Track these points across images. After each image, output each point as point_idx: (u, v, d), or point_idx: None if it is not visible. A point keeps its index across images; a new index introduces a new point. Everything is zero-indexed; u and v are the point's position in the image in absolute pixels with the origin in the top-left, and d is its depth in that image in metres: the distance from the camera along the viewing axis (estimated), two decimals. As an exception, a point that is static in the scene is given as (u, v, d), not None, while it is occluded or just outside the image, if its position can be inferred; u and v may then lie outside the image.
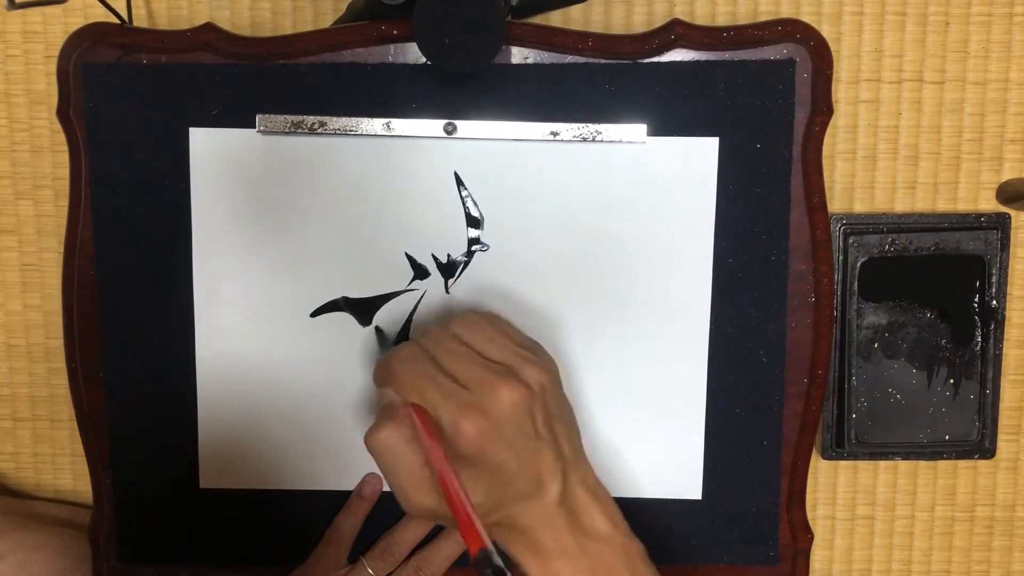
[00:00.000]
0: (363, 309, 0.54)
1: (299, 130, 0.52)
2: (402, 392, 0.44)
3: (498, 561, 0.37)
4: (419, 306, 0.54)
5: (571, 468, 0.44)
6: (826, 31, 0.56)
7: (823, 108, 0.52)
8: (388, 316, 0.54)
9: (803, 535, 0.56)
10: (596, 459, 0.55)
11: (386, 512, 0.56)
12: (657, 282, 0.54)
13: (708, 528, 0.56)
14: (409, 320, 0.54)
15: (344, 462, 0.56)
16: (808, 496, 0.57)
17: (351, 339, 0.55)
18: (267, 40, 0.52)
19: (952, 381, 0.58)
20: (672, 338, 0.54)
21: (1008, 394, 0.59)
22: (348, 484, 0.56)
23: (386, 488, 0.56)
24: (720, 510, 0.56)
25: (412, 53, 0.52)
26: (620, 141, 0.52)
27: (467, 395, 0.42)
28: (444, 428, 0.42)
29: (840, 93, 0.56)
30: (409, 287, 0.54)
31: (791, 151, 0.53)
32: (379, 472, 0.55)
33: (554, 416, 0.44)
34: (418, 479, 0.43)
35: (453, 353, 0.44)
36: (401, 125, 0.52)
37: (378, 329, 0.54)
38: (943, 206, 0.57)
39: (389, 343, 0.54)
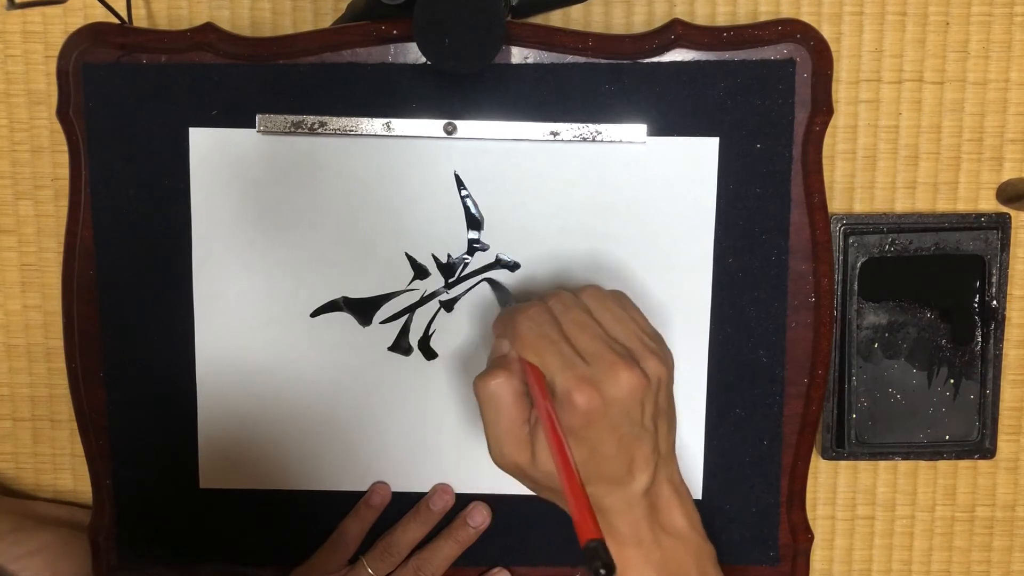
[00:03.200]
0: (363, 309, 0.54)
1: (299, 130, 0.52)
2: (521, 350, 0.44)
3: (608, 556, 0.35)
4: (421, 305, 0.55)
5: (662, 463, 0.44)
6: (826, 31, 0.56)
7: (823, 108, 0.52)
8: (387, 315, 0.55)
9: (803, 535, 0.56)
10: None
11: (387, 512, 0.56)
12: (657, 282, 0.54)
13: (708, 528, 0.55)
14: (409, 321, 0.55)
15: (344, 462, 0.56)
16: (808, 496, 0.57)
17: (351, 339, 0.55)
18: (267, 40, 0.52)
19: (952, 381, 0.58)
20: (672, 338, 0.54)
21: (1008, 394, 0.59)
22: (348, 484, 0.56)
23: (395, 489, 0.56)
24: (720, 510, 0.56)
25: (412, 53, 0.52)
26: (620, 141, 0.52)
27: (585, 368, 0.42)
28: (556, 395, 0.42)
29: (840, 93, 0.56)
30: (409, 287, 0.54)
31: (791, 151, 0.53)
32: (387, 481, 0.56)
33: (661, 411, 0.44)
34: (516, 434, 0.43)
35: (579, 324, 0.44)
36: (401, 125, 0.52)
37: (490, 280, 0.54)
38: (943, 206, 0.57)
39: (507, 293, 0.53)
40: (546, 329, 0.44)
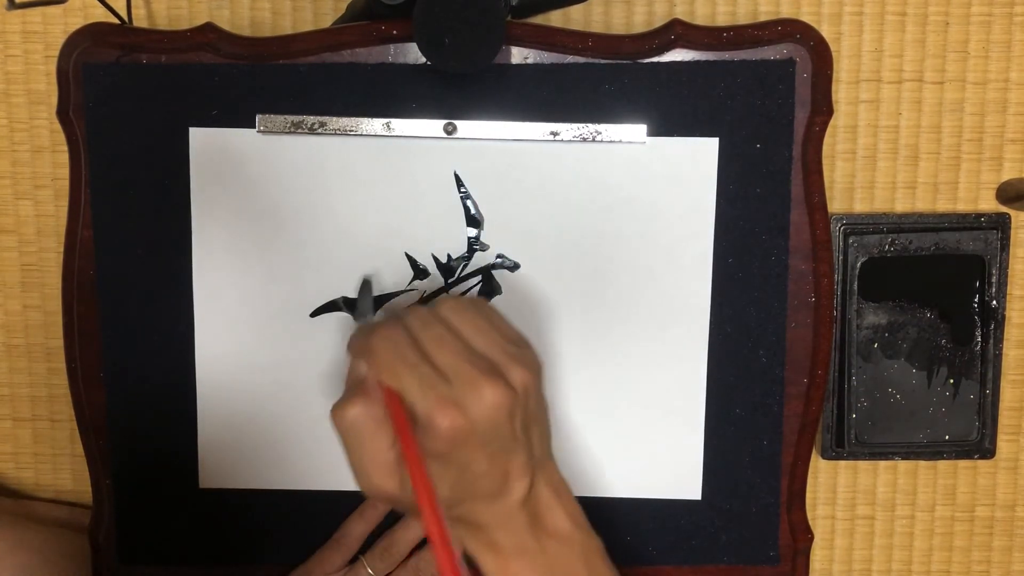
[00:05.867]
0: (363, 309, 0.54)
1: (299, 130, 0.52)
2: (379, 372, 0.41)
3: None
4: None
5: (539, 469, 0.43)
6: (826, 31, 0.56)
7: (823, 108, 0.52)
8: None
9: (803, 535, 0.56)
10: (596, 460, 0.55)
11: (387, 512, 0.56)
12: (657, 282, 0.54)
13: (708, 528, 0.56)
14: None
15: (344, 462, 0.55)
16: (808, 496, 0.57)
17: (351, 339, 0.55)
18: (267, 40, 0.52)
19: (952, 381, 0.58)
20: (672, 338, 0.54)
21: (1008, 394, 0.59)
22: (348, 484, 0.55)
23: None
24: (720, 510, 0.56)
25: (412, 53, 0.52)
26: (620, 141, 0.52)
27: (447, 388, 0.40)
28: (418, 419, 0.40)
29: (840, 93, 0.56)
30: (409, 287, 0.54)
31: (791, 151, 0.53)
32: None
33: (532, 417, 0.43)
34: (382, 462, 0.40)
35: (439, 339, 0.41)
36: (401, 125, 0.52)
37: (366, 281, 0.51)
38: (943, 206, 0.57)
39: (369, 304, 0.51)
40: (403, 349, 0.41)
